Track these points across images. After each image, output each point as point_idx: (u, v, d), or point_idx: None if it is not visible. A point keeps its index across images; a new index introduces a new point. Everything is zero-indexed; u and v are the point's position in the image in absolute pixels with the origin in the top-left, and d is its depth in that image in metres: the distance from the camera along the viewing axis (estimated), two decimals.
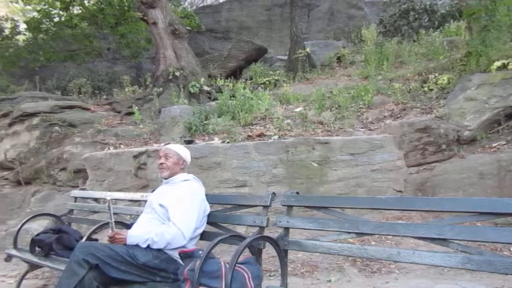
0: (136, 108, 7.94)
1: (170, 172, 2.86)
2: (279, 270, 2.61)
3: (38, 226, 5.11)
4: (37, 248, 3.61)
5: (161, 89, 8.78)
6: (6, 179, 8.18)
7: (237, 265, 2.15)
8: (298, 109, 6.90)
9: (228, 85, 8.92)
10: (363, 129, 5.86)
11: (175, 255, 2.53)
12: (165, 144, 5.52)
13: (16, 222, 5.97)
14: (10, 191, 7.74)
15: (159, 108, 7.75)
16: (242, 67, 12.22)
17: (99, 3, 13.64)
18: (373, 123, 6.04)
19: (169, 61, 9.15)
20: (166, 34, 9.35)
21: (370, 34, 10.03)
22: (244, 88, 7.91)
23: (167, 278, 2.53)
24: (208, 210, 2.86)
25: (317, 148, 4.91)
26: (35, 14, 15.52)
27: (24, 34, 14.78)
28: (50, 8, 14.20)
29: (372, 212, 4.26)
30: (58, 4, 14.11)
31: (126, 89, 11.08)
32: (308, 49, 10.19)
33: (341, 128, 5.90)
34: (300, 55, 9.83)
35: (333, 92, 7.34)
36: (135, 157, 5.44)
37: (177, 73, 8.78)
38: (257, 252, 2.57)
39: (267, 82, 9.27)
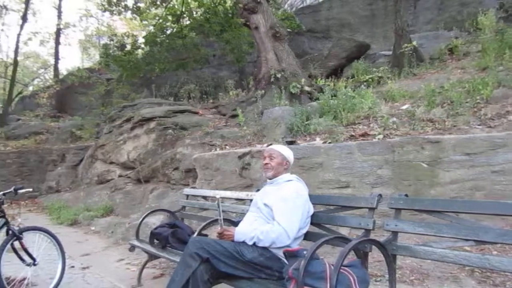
0: (240, 110, 8.25)
1: (274, 172, 2.93)
2: (386, 275, 2.49)
3: (156, 220, 5.59)
4: (155, 240, 3.97)
5: (263, 91, 9.01)
6: (129, 177, 9.16)
7: (342, 267, 2.11)
8: (404, 107, 6.51)
9: (329, 85, 8.80)
10: (480, 126, 5.28)
11: (280, 254, 2.58)
12: (268, 145, 5.65)
13: (137, 216, 6.65)
14: (132, 188, 8.64)
15: (262, 110, 7.95)
16: (343, 65, 11.96)
17: (206, 13, 14.50)
18: (493, 119, 5.41)
19: (271, 64, 9.35)
20: (267, 37, 9.57)
21: (488, 21, 9.05)
22: (346, 87, 7.72)
23: (272, 275, 2.59)
24: (312, 210, 2.86)
25: (426, 148, 4.57)
26: (151, 27, 17.14)
27: (142, 48, 16.39)
28: (163, 22, 15.55)
29: (492, 218, 3.82)
30: (170, 18, 15.38)
31: (230, 93, 11.62)
32: (414, 43, 9.56)
33: (454, 126, 5.39)
34: (406, 49, 9.27)
35: (444, 87, 6.76)
36: (239, 157, 5.66)
37: (278, 75, 8.92)
38: (362, 255, 2.49)
39: (370, 80, 8.92)
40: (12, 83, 19.58)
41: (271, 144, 5.56)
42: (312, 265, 2.16)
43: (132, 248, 4.21)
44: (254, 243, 2.61)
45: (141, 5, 15.28)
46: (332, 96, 7.26)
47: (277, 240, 2.57)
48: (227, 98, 11.42)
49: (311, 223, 2.87)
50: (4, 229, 3.54)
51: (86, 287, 3.98)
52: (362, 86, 8.06)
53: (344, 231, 3.53)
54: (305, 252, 2.24)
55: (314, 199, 2.97)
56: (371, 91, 7.40)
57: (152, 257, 4.02)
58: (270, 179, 2.96)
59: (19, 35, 19.68)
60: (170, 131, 8.67)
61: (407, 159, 4.58)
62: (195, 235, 3.14)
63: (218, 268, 2.52)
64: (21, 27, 19.67)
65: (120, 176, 9.60)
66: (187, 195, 4.79)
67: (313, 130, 6.31)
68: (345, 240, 2.45)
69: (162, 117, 9.20)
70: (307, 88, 8.79)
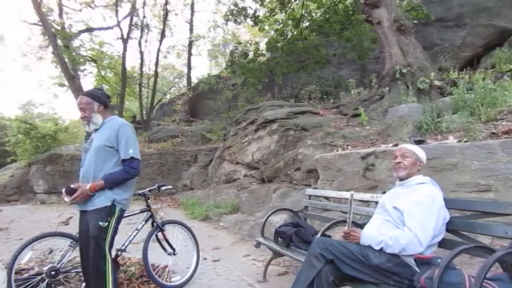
0: (362, 109, 8.00)
1: (407, 172, 2.75)
2: None
3: (279, 219, 5.75)
4: (279, 239, 4.08)
5: (387, 88, 8.59)
6: (253, 177, 9.59)
7: (485, 280, 1.89)
8: None
9: (463, 77, 7.96)
10: None
11: (410, 260, 2.42)
12: (394, 145, 5.36)
13: (261, 214, 6.92)
14: (256, 188, 9.03)
15: (386, 108, 7.59)
16: (479, 55, 10.68)
17: (326, 13, 14.42)
18: None
19: (395, 59, 8.85)
20: (391, 31, 9.10)
21: None
22: (484, 79, 6.88)
23: (401, 283, 2.44)
24: (448, 217, 2.61)
25: None
26: (272, 32, 17.72)
27: (264, 55, 17.03)
28: (283, 27, 15.93)
29: None
30: (290, 22, 15.69)
31: (352, 92, 11.35)
32: None
33: None
34: None
35: None
36: (362, 158, 5.48)
37: (404, 70, 8.40)
38: (510, 269, 2.19)
39: None
40: (153, 92, 22.17)
41: (397, 144, 5.27)
42: (448, 274, 1.98)
43: (258, 245, 4.40)
44: (381, 248, 2.49)
45: (260, 14, 15.90)
46: (467, 90, 6.54)
47: (407, 247, 2.41)
48: (349, 97, 11.18)
49: (447, 230, 2.62)
50: (150, 221, 4.02)
51: (217, 278, 4.27)
52: (505, 77, 7.09)
53: (484, 240, 3.14)
54: (439, 260, 2.07)
55: (449, 203, 2.70)
56: None
57: (276, 254, 4.13)
58: (402, 180, 2.79)
59: (158, 49, 22.19)
60: (291, 132, 8.83)
61: None
62: (318, 235, 3.13)
63: (343, 270, 2.47)
64: (160, 42, 22.12)
65: (245, 175, 10.12)
66: (310, 195, 4.81)
67: (445, 128, 5.77)
68: (487, 250, 2.19)
69: (283, 118, 9.42)
70: (437, 83, 8.09)
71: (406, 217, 2.50)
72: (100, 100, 3.11)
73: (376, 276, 2.48)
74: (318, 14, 15.70)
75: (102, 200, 2.89)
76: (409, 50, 8.94)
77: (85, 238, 2.95)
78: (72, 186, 3.00)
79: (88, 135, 3.27)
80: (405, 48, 8.97)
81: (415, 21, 10.48)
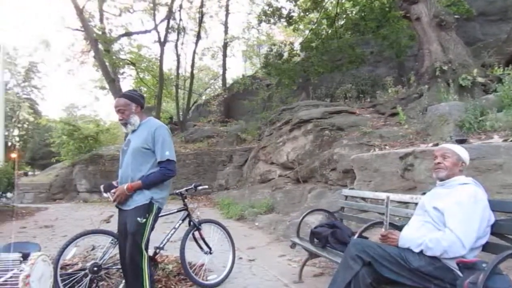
0: (400, 108, 7.81)
1: (448, 173, 2.64)
2: None
3: (314, 219, 5.70)
4: (315, 239, 4.04)
5: (426, 86, 8.33)
6: (288, 177, 9.57)
7: None
8: None
9: (509, 73, 7.59)
10: None
11: (452, 264, 2.32)
12: (434, 144, 5.20)
13: (296, 214, 6.88)
14: (291, 188, 9.00)
15: (425, 106, 7.36)
16: None
17: (361, 11, 14.18)
18: None
19: (435, 56, 8.57)
20: (430, 27, 8.82)
21: None
22: None
23: (442, 287, 2.35)
24: (493, 219, 2.48)
25: None
26: (306, 31, 17.61)
27: (298, 55, 16.94)
28: (318, 27, 15.81)
29: None
30: (324, 21, 15.54)
31: (389, 90, 11.09)
32: None
33: None
34: None
35: None
36: (401, 158, 5.34)
37: (444, 67, 8.12)
38: None
39: None
40: (189, 94, 22.60)
41: (437, 144, 5.10)
42: (493, 280, 1.89)
43: (293, 245, 4.37)
44: (421, 251, 2.41)
45: (294, 14, 15.83)
46: None
47: (449, 250, 2.31)
48: (386, 96, 10.91)
49: (491, 233, 2.50)
50: (186, 220, 4.09)
51: (253, 278, 4.29)
52: None
53: None
54: (484, 265, 1.98)
55: (494, 205, 2.57)
56: None
57: (312, 255, 4.09)
58: (442, 180, 2.68)
59: (194, 51, 22.60)
60: (327, 132, 8.73)
61: None
62: (355, 236, 3.08)
63: (381, 272, 2.41)
64: (196, 44, 22.54)
65: (280, 176, 10.10)
66: (346, 196, 4.74)
67: (490, 127, 5.53)
68: None
69: (318, 118, 9.33)
70: (480, 80, 7.76)
71: (447, 218, 2.41)
72: (137, 101, 3.15)
73: (416, 279, 2.39)
74: (354, 12, 15.46)
75: (140, 199, 2.96)
76: (450, 46, 8.62)
77: (123, 236, 3.05)
78: (112, 182, 3.16)
79: (126, 135, 3.37)
80: (446, 44, 8.66)
81: (456, 16, 10.11)
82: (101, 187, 3.20)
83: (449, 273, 2.34)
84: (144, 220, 2.93)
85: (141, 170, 3.00)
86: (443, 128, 6.13)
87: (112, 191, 3.08)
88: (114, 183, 3.17)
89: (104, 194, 3.14)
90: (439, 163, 2.69)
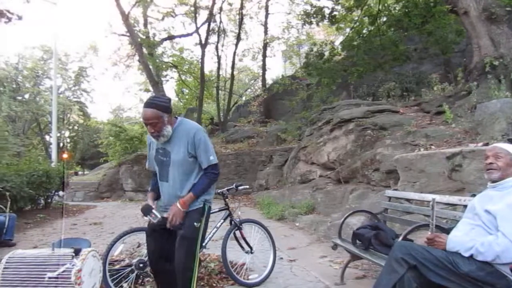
0: (447, 106, 7.51)
1: (501, 174, 2.51)
2: None
3: (356, 221, 5.59)
4: (357, 241, 3.96)
5: (475, 83, 7.94)
6: (329, 177, 9.45)
7: None
8: None
9: None
10: None
11: (506, 270, 2.20)
12: (485, 144, 4.96)
13: (338, 215, 6.78)
14: (332, 188, 8.88)
15: (474, 104, 7.03)
16: None
17: (405, 7, 13.76)
18: None
19: (484, 51, 8.16)
20: (479, 21, 8.40)
21: None
22: None
23: None
24: None
25: None
26: (347, 30, 17.32)
27: (339, 54, 16.68)
28: (359, 25, 15.49)
29: None
30: (366, 19, 15.21)
31: (435, 88, 10.71)
32: None
33: None
34: None
35: None
36: (448, 158, 5.13)
37: (495, 63, 7.71)
38: None
39: None
40: (230, 95, 22.88)
41: (487, 143, 4.86)
42: None
43: (335, 246, 4.31)
44: (471, 255, 2.30)
45: (336, 13, 15.60)
46: None
47: (502, 255, 2.20)
48: (431, 94, 10.52)
49: None
50: (228, 220, 4.14)
51: (294, 278, 4.27)
52: None
53: None
54: None
55: None
56: None
57: (354, 257, 4.02)
58: (494, 181, 2.55)
59: (234, 53, 22.86)
60: (369, 131, 8.55)
61: None
62: (400, 239, 2.99)
63: (428, 277, 2.33)
64: (236, 45, 22.80)
65: (320, 176, 10.00)
66: (390, 197, 4.61)
67: None
68: None
69: (360, 118, 9.14)
70: None
71: (500, 221, 2.28)
72: (168, 110, 2.78)
73: (466, 285, 2.29)
74: (397, 8, 15.03)
75: (194, 203, 2.86)
76: (501, 40, 8.18)
77: (159, 237, 2.94)
78: (148, 203, 2.92)
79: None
80: (497, 38, 8.22)
81: (507, 9, 9.58)
82: (140, 210, 2.94)
83: (502, 279, 2.23)
84: (199, 224, 2.85)
85: (190, 180, 2.86)
86: (494, 126, 5.83)
87: (154, 211, 2.84)
88: (150, 202, 2.93)
89: (145, 218, 2.90)
90: (491, 163, 2.55)
